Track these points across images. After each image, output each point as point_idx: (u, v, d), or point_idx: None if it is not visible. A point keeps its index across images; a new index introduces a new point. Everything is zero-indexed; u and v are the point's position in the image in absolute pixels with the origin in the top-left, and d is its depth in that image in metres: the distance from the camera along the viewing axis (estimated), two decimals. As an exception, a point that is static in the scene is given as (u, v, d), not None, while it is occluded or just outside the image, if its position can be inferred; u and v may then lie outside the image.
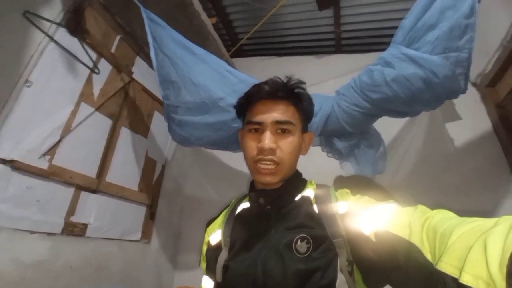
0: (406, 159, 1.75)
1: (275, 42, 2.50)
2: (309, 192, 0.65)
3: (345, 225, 0.55)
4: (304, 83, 0.66)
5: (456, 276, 0.33)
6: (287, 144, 0.62)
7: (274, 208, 0.62)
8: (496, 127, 1.66)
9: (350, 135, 1.23)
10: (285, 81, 0.65)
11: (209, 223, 0.77)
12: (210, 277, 0.69)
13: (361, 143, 1.26)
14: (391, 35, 1.11)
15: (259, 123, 0.62)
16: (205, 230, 0.76)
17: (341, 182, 0.64)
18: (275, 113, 0.62)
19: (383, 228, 0.48)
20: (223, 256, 0.64)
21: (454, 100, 1.73)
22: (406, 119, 1.77)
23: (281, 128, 0.62)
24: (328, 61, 2.33)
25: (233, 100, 1.17)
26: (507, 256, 0.29)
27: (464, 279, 0.32)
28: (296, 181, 0.67)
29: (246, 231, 0.64)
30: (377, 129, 1.36)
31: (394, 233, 0.46)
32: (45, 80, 1.21)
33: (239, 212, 0.69)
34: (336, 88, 1.27)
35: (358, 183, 0.63)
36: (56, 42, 1.26)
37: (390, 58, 1.02)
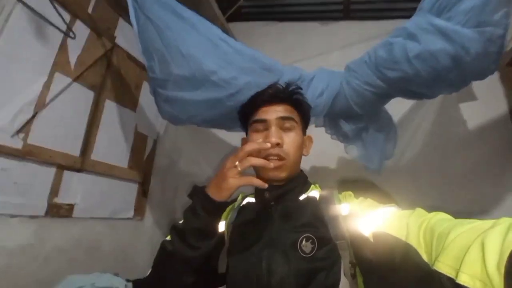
0: (414, 140, 1.64)
1: (276, 4, 2.24)
2: (314, 193, 0.67)
3: (348, 227, 0.56)
4: (301, 88, 0.73)
5: (452, 276, 0.34)
6: (291, 139, 0.65)
7: (278, 204, 0.64)
8: (513, 110, 1.54)
9: (358, 117, 1.10)
10: (284, 86, 0.72)
11: None
12: None
13: (370, 127, 1.13)
14: (409, 0, 0.94)
15: (264, 121, 0.67)
16: None
17: (344, 185, 0.66)
18: (278, 110, 0.67)
19: (381, 229, 0.50)
20: (225, 249, 0.66)
21: (472, 78, 1.59)
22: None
23: (285, 125, 0.66)
24: (334, 29, 2.11)
25: (227, 73, 1.03)
26: (505, 256, 0.29)
27: (461, 279, 0.32)
28: (301, 180, 0.69)
29: (249, 225, 0.65)
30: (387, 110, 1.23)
31: (392, 234, 0.47)
32: (13, 49, 1.05)
33: (243, 205, 0.72)
34: (342, 59, 1.12)
35: (361, 186, 0.64)
36: (23, 3, 1.06)
37: (415, 29, 0.85)
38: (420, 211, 0.49)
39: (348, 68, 1.07)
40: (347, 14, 2.15)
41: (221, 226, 0.69)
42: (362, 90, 1.00)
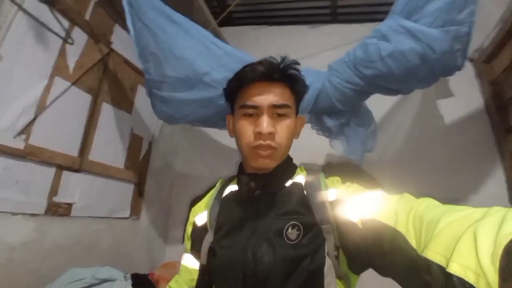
0: (396, 135, 1.74)
1: (267, 9, 2.33)
2: (300, 178, 0.64)
3: (334, 212, 0.55)
4: (298, 63, 0.61)
5: (443, 265, 0.33)
6: (284, 128, 0.59)
7: (264, 193, 0.61)
8: (488, 104, 1.65)
9: (340, 113, 1.18)
10: (279, 61, 0.60)
11: (193, 202, 0.75)
12: (195, 257, 0.68)
13: (352, 121, 1.22)
14: (391, 3, 1.03)
15: (255, 107, 0.58)
16: (189, 210, 0.74)
17: (330, 170, 0.63)
18: (272, 96, 0.58)
19: (370, 215, 0.49)
20: (209, 238, 0.63)
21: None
22: (399, 95, 1.73)
23: (278, 112, 0.59)
24: (323, 31, 2.21)
25: (219, 74, 1.11)
26: (500, 250, 0.28)
27: (452, 269, 0.32)
28: (287, 166, 0.65)
29: (233, 215, 0.62)
30: (367, 105, 1.32)
31: (380, 220, 0.46)
32: (15, 54, 1.11)
33: (226, 195, 0.67)
34: (330, 60, 1.20)
35: (347, 171, 0.62)
36: (24, 11, 1.13)
37: (387, 31, 0.94)
38: (408, 196, 0.48)
39: (330, 67, 1.15)
40: (334, 17, 2.26)
41: (204, 216, 0.68)
42: (343, 87, 1.09)
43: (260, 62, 0.60)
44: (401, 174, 1.54)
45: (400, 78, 0.98)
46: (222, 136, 2.04)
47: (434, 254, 0.35)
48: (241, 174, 0.65)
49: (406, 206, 0.45)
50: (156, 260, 1.93)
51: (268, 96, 0.58)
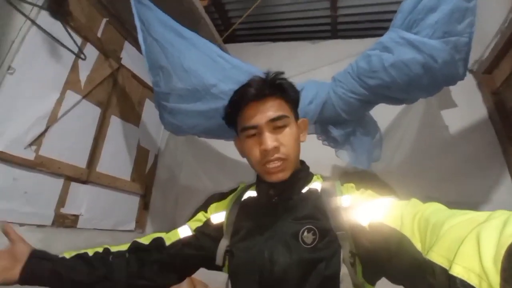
0: (401, 146, 1.74)
1: (269, 27, 2.42)
2: (316, 185, 0.66)
3: (348, 218, 0.56)
4: (283, 73, 0.65)
5: (446, 267, 0.33)
6: (287, 137, 0.62)
7: (282, 199, 0.63)
8: (492, 114, 1.66)
9: (346, 123, 1.20)
10: (264, 77, 0.65)
11: (214, 198, 0.78)
12: (194, 233, 0.71)
13: (357, 131, 1.23)
14: (390, 20, 1.07)
15: (254, 127, 0.62)
16: (209, 205, 0.77)
17: (346, 177, 0.65)
18: (267, 112, 0.62)
19: (378, 219, 0.50)
20: (225, 241, 0.66)
21: (451, 87, 1.71)
22: (402, 106, 1.75)
23: (278, 125, 0.62)
24: (323, 47, 2.27)
25: (226, 86, 1.14)
26: (502, 251, 0.29)
27: (455, 271, 0.32)
28: (303, 173, 0.68)
29: (252, 220, 0.65)
30: (372, 116, 1.34)
31: (387, 224, 0.48)
32: (28, 67, 1.15)
33: (245, 200, 0.70)
34: (331, 74, 1.24)
35: (363, 178, 0.64)
36: (38, 26, 1.18)
37: (388, 43, 0.98)
38: (415, 201, 0.49)
39: (334, 79, 1.18)
40: (335, 33, 2.33)
41: (221, 216, 0.71)
42: (347, 97, 1.12)
43: (249, 84, 0.64)
44: (408, 183, 1.52)
45: (403, 88, 1.00)
46: (226, 150, 2.06)
47: (438, 256, 0.35)
48: (259, 181, 0.68)
49: (412, 210, 0.46)
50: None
51: (264, 113, 0.61)
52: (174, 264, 0.68)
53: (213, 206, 0.76)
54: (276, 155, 0.60)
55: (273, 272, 0.55)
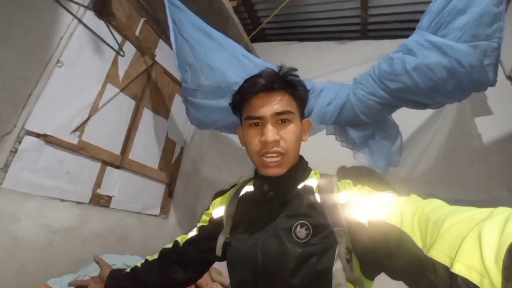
0: (427, 152, 1.68)
1: (297, 26, 2.43)
2: (312, 181, 0.66)
3: (345, 215, 0.56)
4: (296, 70, 0.65)
5: (447, 265, 0.33)
6: (289, 133, 0.62)
7: (277, 194, 0.64)
8: (531, 123, 1.54)
9: (365, 125, 1.20)
10: (277, 70, 0.64)
11: (216, 195, 0.81)
12: (199, 232, 0.78)
13: (377, 134, 1.22)
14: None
15: (259, 117, 0.62)
16: (211, 202, 0.81)
17: (344, 172, 0.64)
18: (274, 105, 0.62)
19: (377, 217, 0.49)
20: (224, 232, 0.69)
21: (487, 94, 1.62)
22: (432, 111, 1.68)
23: (281, 119, 0.62)
24: (351, 47, 2.24)
25: (248, 85, 1.20)
26: (504, 250, 0.28)
27: (456, 269, 0.32)
28: (300, 169, 0.68)
29: (248, 214, 0.67)
30: (398, 119, 1.31)
31: (387, 221, 0.47)
32: (74, 61, 1.28)
33: (243, 195, 0.72)
34: (358, 75, 1.23)
35: (360, 174, 0.62)
36: (84, 25, 1.32)
37: (412, 45, 0.97)
38: (414, 197, 0.49)
39: (355, 81, 1.19)
40: (364, 33, 2.29)
41: (221, 211, 0.74)
42: (367, 100, 1.11)
43: (259, 75, 0.64)
44: (430, 191, 1.47)
45: (426, 92, 0.98)
46: (247, 145, 2.12)
47: (439, 254, 0.35)
48: (256, 177, 0.69)
49: (412, 207, 0.45)
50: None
51: (271, 106, 0.62)
52: (187, 262, 0.76)
53: (214, 201, 0.80)
54: (275, 148, 0.60)
55: (265, 264, 0.57)
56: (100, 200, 1.46)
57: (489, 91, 1.29)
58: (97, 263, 0.85)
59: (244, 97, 0.66)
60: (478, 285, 0.30)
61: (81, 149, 1.33)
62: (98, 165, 1.45)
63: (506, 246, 0.29)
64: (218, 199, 0.79)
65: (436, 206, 0.42)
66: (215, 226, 0.73)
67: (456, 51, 0.90)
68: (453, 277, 0.32)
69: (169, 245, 0.80)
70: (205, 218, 0.79)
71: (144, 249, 1.71)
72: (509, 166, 1.50)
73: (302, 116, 0.69)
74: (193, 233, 0.78)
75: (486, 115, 1.63)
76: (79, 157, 1.35)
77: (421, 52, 0.94)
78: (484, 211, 0.35)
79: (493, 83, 1.00)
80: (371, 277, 0.57)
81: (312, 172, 0.70)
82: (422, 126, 1.74)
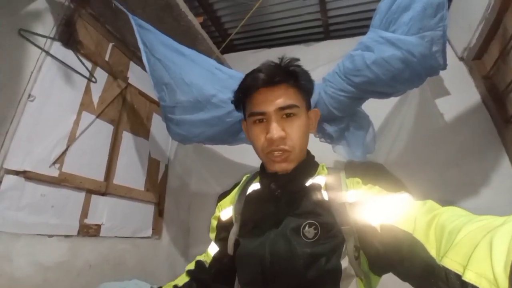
0: (399, 137, 1.81)
1: (264, 34, 2.53)
2: (319, 179, 0.64)
3: (354, 215, 0.55)
4: (298, 59, 0.63)
5: (459, 273, 0.33)
6: (295, 128, 0.60)
7: (284, 193, 0.63)
8: (485, 98, 1.70)
9: (339, 119, 1.28)
10: (278, 62, 0.62)
11: (221, 197, 0.79)
12: (218, 245, 0.74)
13: (351, 126, 1.31)
14: None
15: (263, 113, 0.60)
16: (216, 205, 0.79)
17: (352, 169, 0.63)
18: (277, 99, 0.59)
19: (390, 221, 0.48)
20: (235, 231, 0.68)
21: (443, 76, 1.78)
22: (397, 99, 1.82)
23: (286, 113, 0.60)
24: (317, 48, 2.36)
25: (224, 95, 1.25)
26: None
27: (467, 277, 0.31)
28: (308, 165, 0.66)
29: (256, 212, 0.65)
30: (368, 110, 1.40)
31: (400, 227, 0.46)
32: (46, 93, 1.28)
33: (249, 193, 0.70)
34: (326, 74, 1.31)
35: (369, 170, 0.63)
36: (52, 56, 1.32)
37: (369, 42, 1.06)
38: (431, 204, 0.47)
39: (324, 79, 1.27)
40: (327, 34, 2.43)
41: (229, 211, 0.72)
42: (337, 96, 1.20)
43: (259, 69, 0.61)
44: (407, 174, 1.57)
45: (387, 82, 1.08)
46: (231, 154, 2.17)
47: (452, 262, 0.35)
48: (263, 174, 0.68)
49: (427, 214, 0.44)
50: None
51: (274, 101, 0.59)
52: (221, 278, 0.71)
53: (220, 204, 0.77)
54: (281, 146, 0.59)
55: (273, 265, 0.55)
56: (89, 230, 1.43)
57: (445, 74, 1.43)
58: None
59: (245, 93, 0.64)
60: None
61: (62, 181, 1.31)
62: (82, 194, 1.43)
63: None
64: (225, 200, 0.77)
65: (452, 215, 0.41)
66: (226, 229, 0.71)
67: (407, 43, 1.01)
68: (464, 285, 0.32)
69: (190, 266, 0.76)
70: (213, 225, 0.78)
71: (141, 272, 1.69)
72: (475, 139, 1.65)
73: (309, 107, 0.66)
74: (214, 248, 0.75)
75: (445, 95, 1.78)
76: (62, 189, 1.33)
77: (377, 48, 1.04)
78: (499, 219, 0.35)
79: (444, 67, 1.12)
80: (379, 274, 0.57)
81: (320, 167, 0.68)
82: (391, 113, 1.87)
